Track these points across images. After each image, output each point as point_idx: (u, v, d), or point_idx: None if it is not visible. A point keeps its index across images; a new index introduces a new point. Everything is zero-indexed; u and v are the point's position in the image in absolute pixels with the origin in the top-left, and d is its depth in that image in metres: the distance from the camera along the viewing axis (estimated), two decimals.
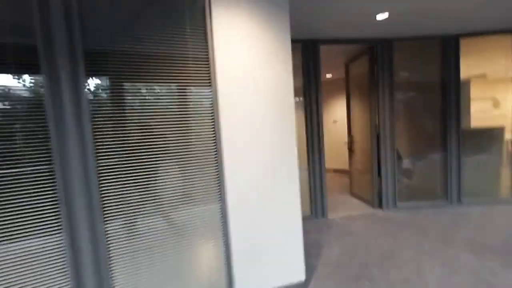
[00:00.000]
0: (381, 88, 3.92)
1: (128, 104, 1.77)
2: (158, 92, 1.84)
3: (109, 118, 1.70)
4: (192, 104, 1.92)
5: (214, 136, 1.94)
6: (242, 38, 1.95)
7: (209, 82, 1.90)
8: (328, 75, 6.38)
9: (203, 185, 1.94)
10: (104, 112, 1.69)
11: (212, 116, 1.93)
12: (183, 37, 1.84)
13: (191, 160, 1.90)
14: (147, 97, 1.82)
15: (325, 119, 7.37)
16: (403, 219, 3.67)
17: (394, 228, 3.40)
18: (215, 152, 1.95)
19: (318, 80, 3.78)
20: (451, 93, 3.93)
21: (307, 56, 3.75)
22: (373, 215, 3.91)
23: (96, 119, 1.66)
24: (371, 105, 4.07)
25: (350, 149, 4.84)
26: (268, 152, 2.07)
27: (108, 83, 1.72)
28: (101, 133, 1.67)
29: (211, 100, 1.92)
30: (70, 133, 1.58)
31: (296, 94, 4.02)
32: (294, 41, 3.74)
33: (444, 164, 4.08)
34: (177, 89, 1.88)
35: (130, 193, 1.75)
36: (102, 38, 1.67)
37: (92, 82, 1.67)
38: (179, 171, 1.88)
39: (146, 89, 1.81)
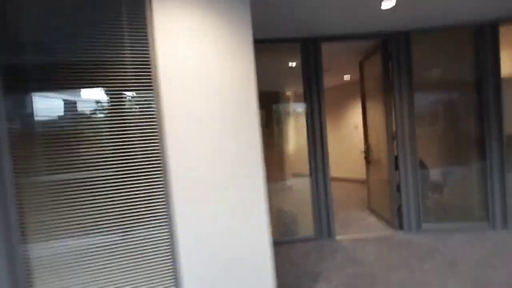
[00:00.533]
0: (397, 88, 3.34)
1: (53, 120, 1.59)
2: (89, 101, 1.62)
3: (32, 137, 1.54)
4: (131, 112, 1.68)
5: (158, 146, 1.67)
6: (189, 33, 1.67)
7: (150, 85, 1.65)
8: (346, 77, 5.82)
9: (146, 203, 1.68)
10: (26, 130, 1.54)
11: (155, 124, 1.66)
12: (119, 35, 1.61)
13: (130, 175, 1.64)
14: (75, 109, 1.61)
15: (346, 124, 6.81)
16: (428, 245, 3.01)
17: (413, 257, 2.78)
18: (160, 165, 1.67)
19: (320, 83, 3.34)
20: (489, 93, 3.20)
21: (307, 56, 3.34)
22: (391, 238, 3.29)
23: (17, 139, 1.51)
24: (386, 109, 3.50)
25: (367, 159, 4.25)
26: (222, 163, 1.74)
27: (29, 99, 1.55)
28: (22, 153, 1.52)
29: (154, 105, 1.66)
30: None
31: (298, 99, 3.64)
32: (291, 40, 3.37)
33: (483, 177, 3.32)
34: (114, 95, 1.65)
35: (57, 213, 1.56)
36: (21, 49, 1.51)
37: (11, 100, 1.51)
38: (117, 187, 1.63)
39: (74, 100, 1.61)
